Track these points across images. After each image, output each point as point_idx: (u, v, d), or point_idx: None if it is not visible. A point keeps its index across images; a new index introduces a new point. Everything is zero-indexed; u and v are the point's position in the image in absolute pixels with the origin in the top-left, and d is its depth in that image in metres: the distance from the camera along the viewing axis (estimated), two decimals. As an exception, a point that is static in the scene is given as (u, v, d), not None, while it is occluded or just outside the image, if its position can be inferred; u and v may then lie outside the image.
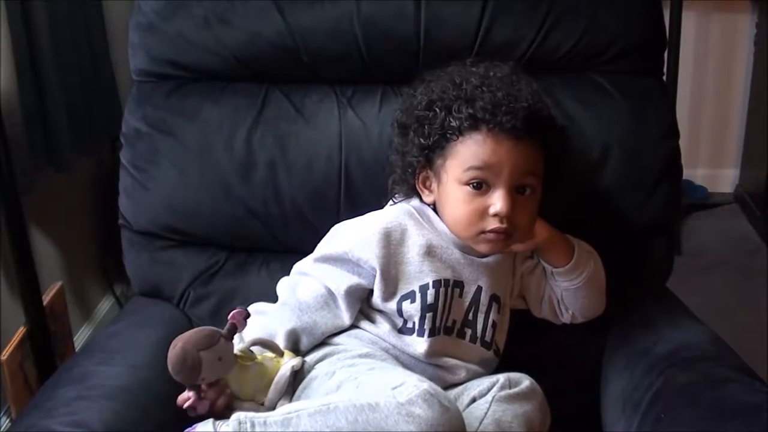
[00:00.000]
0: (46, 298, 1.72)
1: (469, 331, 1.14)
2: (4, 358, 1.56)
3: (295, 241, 1.30)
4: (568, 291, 1.17)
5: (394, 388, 0.91)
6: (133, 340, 1.22)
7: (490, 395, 1.05)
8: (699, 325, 1.22)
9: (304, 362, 1.08)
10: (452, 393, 1.08)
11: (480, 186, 1.07)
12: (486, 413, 1.03)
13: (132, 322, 1.29)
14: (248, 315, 1.01)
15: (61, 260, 2.00)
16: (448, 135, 1.08)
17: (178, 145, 1.28)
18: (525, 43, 1.26)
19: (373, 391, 0.93)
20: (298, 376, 1.07)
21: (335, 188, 1.27)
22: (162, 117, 1.29)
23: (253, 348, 1.05)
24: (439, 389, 0.93)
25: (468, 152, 1.07)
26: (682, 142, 1.31)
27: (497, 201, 1.06)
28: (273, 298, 1.28)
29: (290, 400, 1.05)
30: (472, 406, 1.05)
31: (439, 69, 1.15)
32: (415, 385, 0.91)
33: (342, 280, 1.11)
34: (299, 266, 1.17)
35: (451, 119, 1.08)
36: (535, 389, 1.08)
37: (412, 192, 1.16)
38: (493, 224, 1.07)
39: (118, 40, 2.06)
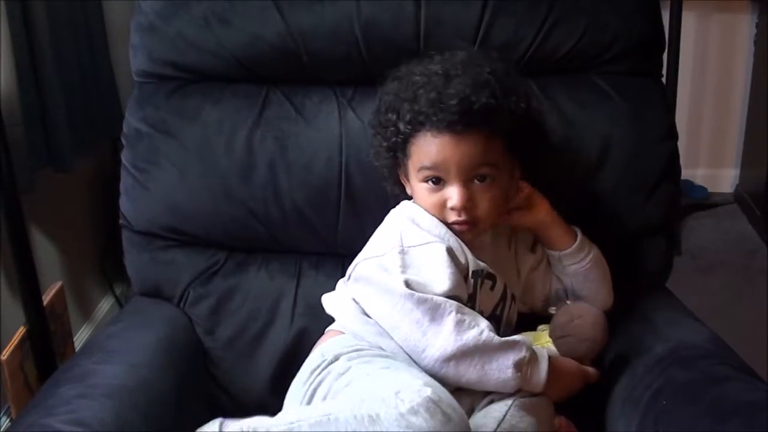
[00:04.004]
0: (46, 298, 1.72)
1: (493, 323, 1.12)
2: (4, 358, 1.56)
3: (294, 242, 1.30)
4: (578, 275, 1.18)
5: (398, 392, 0.90)
6: (133, 340, 1.22)
7: (510, 399, 1.04)
8: (699, 324, 1.22)
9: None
10: (470, 392, 1.07)
11: (438, 181, 1.10)
12: (504, 416, 1.02)
13: (132, 322, 1.29)
14: None
15: (61, 260, 2.00)
16: (400, 138, 1.11)
17: (179, 146, 1.28)
18: (525, 44, 1.26)
19: (378, 394, 0.91)
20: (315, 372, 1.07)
21: (335, 189, 1.27)
22: (163, 118, 1.30)
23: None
24: (443, 395, 0.91)
25: (419, 152, 1.10)
26: (682, 142, 1.32)
27: (452, 195, 1.09)
28: (272, 297, 1.29)
29: (306, 393, 1.06)
30: (489, 407, 1.05)
31: (404, 64, 1.16)
32: (417, 391, 0.89)
33: None
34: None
35: (400, 123, 1.11)
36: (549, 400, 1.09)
37: (400, 186, 1.18)
38: (452, 217, 1.10)
39: (118, 41, 2.07)
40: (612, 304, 1.22)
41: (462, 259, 1.10)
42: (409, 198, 1.18)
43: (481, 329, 1.03)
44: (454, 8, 1.26)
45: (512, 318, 1.18)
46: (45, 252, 1.90)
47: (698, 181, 3.08)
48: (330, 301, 1.19)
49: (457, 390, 1.07)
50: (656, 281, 1.33)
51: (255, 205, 1.28)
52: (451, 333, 1.02)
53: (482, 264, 1.12)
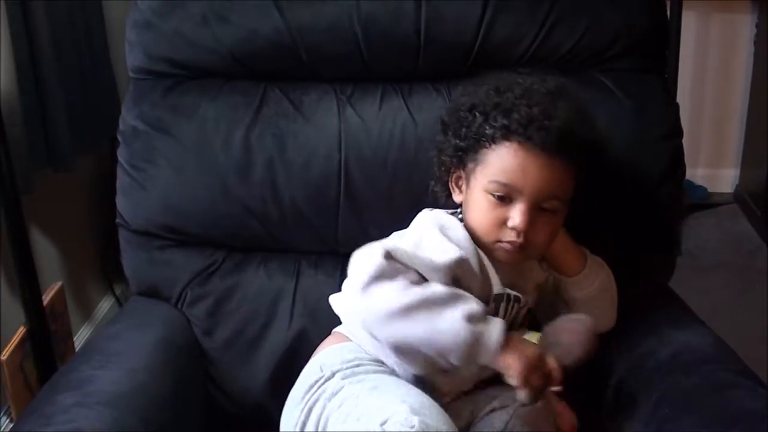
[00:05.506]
0: (46, 298, 1.72)
1: None
2: (4, 358, 1.56)
3: (293, 241, 1.30)
4: (582, 302, 1.17)
5: (383, 423, 0.90)
6: (132, 342, 1.21)
7: (511, 408, 1.03)
8: (701, 326, 1.22)
9: None
10: (470, 401, 1.08)
11: (503, 198, 1.07)
12: (506, 426, 1.02)
13: (130, 323, 1.29)
14: None
15: (61, 260, 2.00)
16: (482, 141, 1.08)
17: (176, 144, 1.28)
18: (526, 42, 1.26)
19: (364, 426, 0.92)
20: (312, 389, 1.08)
21: (335, 187, 1.26)
22: (159, 115, 1.29)
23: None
24: (431, 420, 0.91)
25: (497, 163, 1.07)
26: (683, 142, 1.31)
27: (516, 215, 1.06)
28: (271, 297, 1.28)
29: (302, 411, 1.06)
30: (491, 415, 1.04)
31: (493, 72, 1.15)
32: (403, 422, 0.90)
33: None
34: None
35: (487, 127, 1.08)
36: (550, 407, 1.08)
37: (445, 189, 1.16)
38: (509, 236, 1.07)
39: (118, 40, 2.05)
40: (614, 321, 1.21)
41: (480, 278, 1.08)
42: (446, 202, 1.16)
43: (428, 285, 1.01)
44: (455, 5, 1.25)
45: (517, 322, 1.16)
46: (45, 252, 1.90)
47: (698, 181, 3.07)
48: (338, 303, 1.18)
49: (457, 399, 1.08)
50: (658, 281, 1.33)
51: (253, 204, 1.27)
52: (397, 289, 0.99)
53: (507, 289, 1.10)
